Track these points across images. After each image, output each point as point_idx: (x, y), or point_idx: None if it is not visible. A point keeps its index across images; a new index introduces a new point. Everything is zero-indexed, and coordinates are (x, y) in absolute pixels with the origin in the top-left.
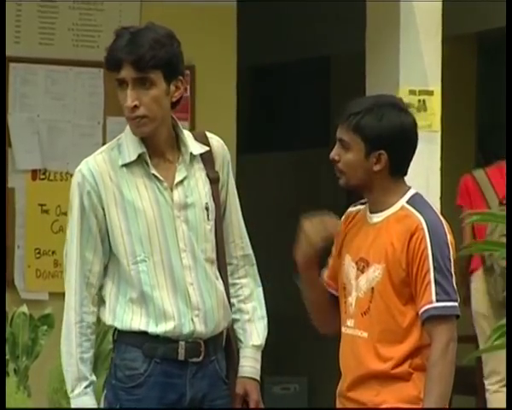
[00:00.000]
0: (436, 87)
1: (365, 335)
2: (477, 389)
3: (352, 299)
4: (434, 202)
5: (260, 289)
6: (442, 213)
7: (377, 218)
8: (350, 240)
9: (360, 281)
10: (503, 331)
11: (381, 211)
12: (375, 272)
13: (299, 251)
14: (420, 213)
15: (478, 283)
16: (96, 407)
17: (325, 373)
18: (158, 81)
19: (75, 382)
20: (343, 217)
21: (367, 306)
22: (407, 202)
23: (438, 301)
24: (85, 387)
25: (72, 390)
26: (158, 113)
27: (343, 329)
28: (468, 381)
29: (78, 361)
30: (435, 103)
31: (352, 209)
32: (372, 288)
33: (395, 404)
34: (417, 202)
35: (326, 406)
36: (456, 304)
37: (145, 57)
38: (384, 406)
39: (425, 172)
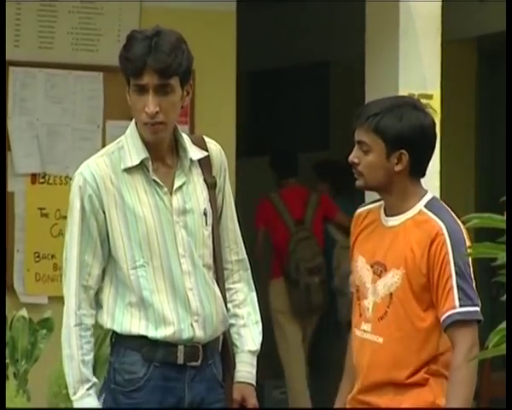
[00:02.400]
0: (435, 91)
1: (381, 340)
2: (477, 392)
3: (367, 303)
4: None
5: (254, 294)
6: None
7: (394, 221)
8: (363, 242)
9: (378, 286)
10: (502, 335)
11: (398, 214)
12: (393, 278)
13: None
14: (439, 218)
15: (278, 287)
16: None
17: (324, 377)
18: (176, 87)
19: (77, 384)
20: (353, 219)
21: (384, 311)
22: (425, 206)
23: (461, 306)
24: (88, 389)
25: (75, 393)
26: (174, 118)
27: (358, 332)
28: None
29: (80, 364)
30: (434, 107)
31: (361, 210)
32: (390, 293)
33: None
34: (435, 206)
35: None
36: (478, 309)
37: (172, 65)
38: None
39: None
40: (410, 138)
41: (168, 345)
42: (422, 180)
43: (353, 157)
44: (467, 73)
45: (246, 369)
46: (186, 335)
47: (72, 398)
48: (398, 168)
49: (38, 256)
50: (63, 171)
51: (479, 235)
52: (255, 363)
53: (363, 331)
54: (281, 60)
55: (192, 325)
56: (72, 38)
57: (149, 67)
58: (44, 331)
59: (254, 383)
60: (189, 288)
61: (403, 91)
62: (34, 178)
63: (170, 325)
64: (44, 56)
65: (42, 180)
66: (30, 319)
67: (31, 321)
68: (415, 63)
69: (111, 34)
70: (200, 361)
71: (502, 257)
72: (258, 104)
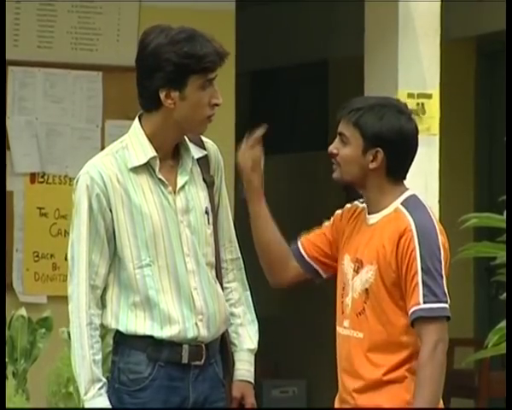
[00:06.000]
0: (435, 90)
1: (361, 335)
2: (476, 391)
3: (348, 300)
4: (433, 204)
5: (248, 294)
6: (441, 216)
7: (373, 219)
8: (349, 239)
9: (355, 282)
10: (502, 334)
11: (377, 212)
12: (367, 273)
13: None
14: (410, 214)
15: None
16: (110, 407)
17: (324, 376)
18: None
19: (89, 384)
20: (345, 209)
21: (362, 306)
22: (401, 204)
23: (425, 302)
24: (99, 388)
25: (86, 393)
26: None
27: (340, 330)
28: (466, 384)
29: (92, 363)
30: (434, 107)
31: (356, 203)
32: (366, 289)
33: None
34: (411, 203)
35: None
36: (444, 305)
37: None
38: (381, 407)
39: (423, 175)
40: (387, 138)
41: (173, 345)
42: (421, 182)
43: (332, 148)
44: (466, 72)
45: (245, 367)
46: (191, 334)
47: (84, 398)
48: (372, 166)
49: (37, 256)
50: (62, 170)
51: (477, 234)
52: (253, 362)
53: (343, 328)
54: (279, 59)
55: (196, 325)
56: (71, 37)
57: (223, 59)
58: (43, 331)
59: (253, 381)
60: (194, 287)
61: (402, 91)
62: (33, 177)
63: (175, 325)
64: (44, 56)
65: (41, 180)
66: (29, 318)
67: (30, 320)
68: (414, 62)
69: (110, 34)
70: (203, 360)
71: (501, 256)
72: (256, 103)
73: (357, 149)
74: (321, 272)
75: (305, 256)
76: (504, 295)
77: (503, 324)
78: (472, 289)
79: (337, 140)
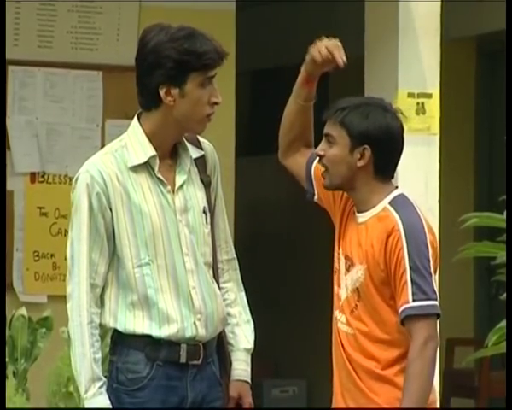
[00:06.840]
0: (435, 90)
1: (353, 332)
2: (476, 391)
3: (341, 293)
4: (433, 204)
5: (243, 294)
6: (441, 215)
7: (362, 218)
8: (344, 231)
9: (347, 280)
10: (502, 334)
11: (365, 211)
12: (357, 273)
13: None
14: (398, 213)
15: None
16: (110, 406)
17: (324, 376)
18: None
19: (89, 382)
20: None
21: (354, 304)
22: (389, 203)
23: (414, 300)
24: (99, 387)
25: (86, 391)
26: None
27: (335, 316)
28: (466, 383)
29: (92, 362)
30: (434, 106)
31: None
32: (357, 288)
33: (382, 405)
34: (399, 202)
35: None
36: (434, 303)
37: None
38: (374, 406)
39: (424, 174)
40: (373, 136)
41: (171, 344)
42: (421, 182)
43: (319, 149)
44: (466, 72)
45: (242, 367)
46: (189, 333)
47: (84, 396)
48: (360, 164)
49: (38, 255)
50: (62, 170)
51: (478, 234)
52: (250, 361)
53: (338, 320)
54: (280, 59)
55: (195, 324)
56: (71, 37)
57: (222, 58)
58: (44, 330)
59: (250, 380)
60: (193, 286)
61: (402, 90)
62: (33, 177)
63: (173, 324)
64: (44, 55)
65: (41, 179)
66: (29, 317)
67: (30, 320)
68: (414, 62)
69: (110, 33)
70: (201, 360)
71: (501, 256)
72: (256, 103)
73: (344, 149)
74: (315, 195)
75: (312, 174)
76: (504, 295)
77: (503, 323)
78: (472, 289)
79: (323, 141)
